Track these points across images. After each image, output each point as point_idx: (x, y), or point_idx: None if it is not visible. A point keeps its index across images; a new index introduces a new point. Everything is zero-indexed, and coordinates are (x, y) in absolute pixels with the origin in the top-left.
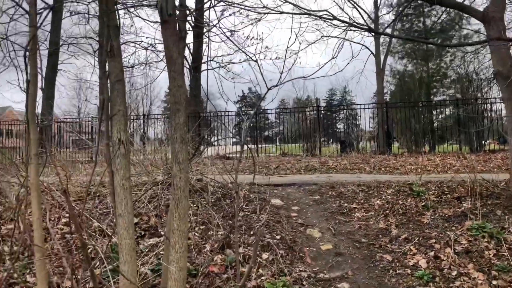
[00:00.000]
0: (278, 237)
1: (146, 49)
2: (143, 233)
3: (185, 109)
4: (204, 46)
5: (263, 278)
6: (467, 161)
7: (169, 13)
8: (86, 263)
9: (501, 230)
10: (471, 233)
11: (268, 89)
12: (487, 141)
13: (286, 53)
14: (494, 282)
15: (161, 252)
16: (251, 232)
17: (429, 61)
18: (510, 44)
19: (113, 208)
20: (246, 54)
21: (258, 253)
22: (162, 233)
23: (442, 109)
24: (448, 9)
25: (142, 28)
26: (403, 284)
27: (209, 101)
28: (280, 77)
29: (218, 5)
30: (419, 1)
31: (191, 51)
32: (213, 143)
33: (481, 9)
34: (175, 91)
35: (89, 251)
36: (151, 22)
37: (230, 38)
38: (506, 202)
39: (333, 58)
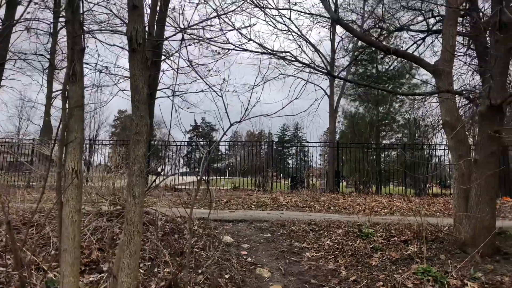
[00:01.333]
0: (227, 276)
1: (100, 71)
2: (82, 268)
3: (146, 141)
4: (161, 74)
5: None
6: (412, 204)
7: (138, 42)
8: None
9: (444, 274)
10: (417, 276)
11: (231, 124)
12: (430, 185)
13: (252, 90)
14: None
15: None
16: (199, 271)
17: (380, 105)
18: (457, 96)
19: (56, 240)
20: (210, 86)
21: None
22: (105, 268)
23: (389, 152)
24: (399, 58)
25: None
26: None
27: (169, 132)
28: (245, 112)
29: (187, 39)
30: (373, 49)
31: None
32: (166, 175)
33: (430, 61)
34: (137, 121)
35: None
36: (109, 45)
37: (195, 68)
38: (449, 246)
39: (296, 98)
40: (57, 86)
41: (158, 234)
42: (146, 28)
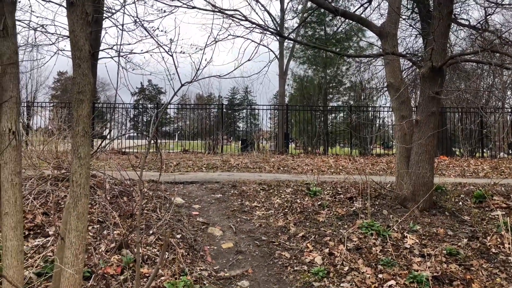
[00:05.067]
0: (178, 236)
1: (35, 29)
2: (27, 232)
3: (89, 100)
4: (103, 32)
5: (162, 278)
6: (357, 163)
7: None
8: None
9: (386, 228)
10: (361, 231)
11: (182, 85)
12: (374, 146)
13: (204, 50)
14: (380, 276)
15: (49, 254)
16: (150, 232)
17: (327, 68)
18: (401, 59)
19: None
20: (159, 44)
21: (157, 253)
22: (51, 232)
23: (336, 114)
24: (348, 20)
25: (32, 6)
26: (300, 280)
27: (117, 93)
28: (196, 73)
29: None
30: (322, 10)
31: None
32: (113, 137)
33: (377, 24)
34: (79, 80)
35: None
36: (44, 0)
37: (143, 25)
38: (391, 202)
39: (249, 60)
40: None
41: (106, 197)
42: None
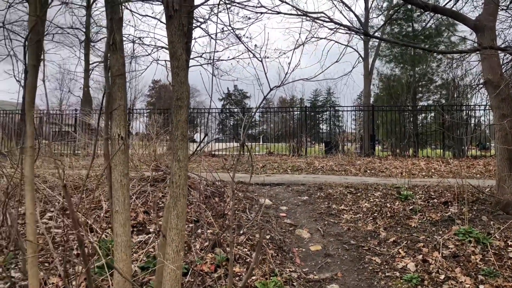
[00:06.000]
0: (268, 237)
1: (133, 42)
2: (131, 229)
3: (187, 106)
4: (193, 42)
5: (253, 278)
6: (450, 166)
7: (175, 8)
8: (84, 261)
9: (487, 235)
10: (458, 237)
11: (271, 89)
12: (469, 147)
13: (292, 54)
14: (481, 287)
15: (150, 250)
16: (241, 231)
17: (416, 65)
18: (500, 53)
19: (106, 204)
20: (249, 50)
21: (248, 253)
22: (151, 230)
23: (427, 114)
24: (437, 15)
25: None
26: (392, 286)
27: (211, 99)
28: (285, 77)
29: (220, 3)
30: (409, 6)
31: None
32: (210, 141)
33: (470, 17)
34: (177, 88)
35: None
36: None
37: (230, 33)
38: (491, 208)
39: (336, 61)
40: (93, 58)
41: (200, 197)
42: None
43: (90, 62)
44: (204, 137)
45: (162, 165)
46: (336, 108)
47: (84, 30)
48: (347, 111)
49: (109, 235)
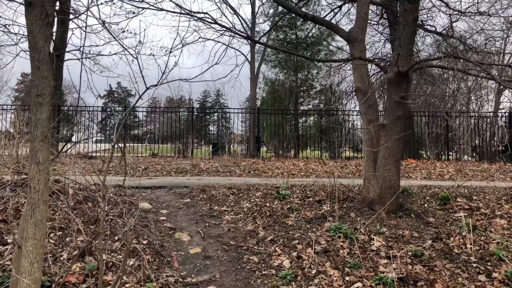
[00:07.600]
0: (145, 242)
1: None
2: None
3: (49, 103)
4: (69, 34)
5: (127, 285)
6: (327, 166)
7: None
8: None
9: (354, 230)
10: (329, 233)
11: (147, 88)
12: (344, 149)
13: (169, 53)
14: (347, 278)
15: (7, 263)
16: (116, 238)
17: (298, 72)
18: (368, 63)
19: None
20: (123, 47)
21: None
22: (9, 240)
23: (307, 118)
24: (318, 25)
25: None
26: (268, 284)
27: (79, 96)
28: (162, 76)
29: None
30: (293, 15)
31: (53, 38)
32: (77, 141)
33: (346, 29)
34: (38, 83)
35: None
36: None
37: (107, 27)
38: (359, 205)
39: (216, 63)
40: None
41: (69, 203)
42: None
43: None
44: (71, 136)
45: (26, 167)
46: (224, 110)
47: None
48: (234, 113)
49: None
